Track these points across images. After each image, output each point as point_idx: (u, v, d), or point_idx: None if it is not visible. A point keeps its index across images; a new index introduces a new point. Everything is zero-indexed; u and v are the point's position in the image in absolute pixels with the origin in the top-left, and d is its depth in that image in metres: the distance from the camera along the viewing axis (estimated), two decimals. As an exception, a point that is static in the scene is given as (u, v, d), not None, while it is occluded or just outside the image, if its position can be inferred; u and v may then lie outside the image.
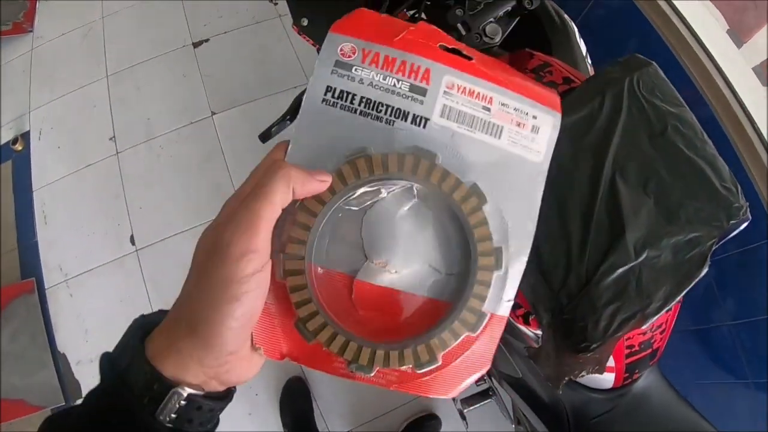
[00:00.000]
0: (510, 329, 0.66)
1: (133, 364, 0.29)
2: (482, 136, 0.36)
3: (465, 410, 1.00)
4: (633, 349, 0.58)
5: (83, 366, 1.60)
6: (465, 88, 0.36)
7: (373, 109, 0.35)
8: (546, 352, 0.43)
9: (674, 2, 1.07)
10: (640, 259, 0.42)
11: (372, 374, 0.33)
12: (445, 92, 0.36)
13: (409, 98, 0.36)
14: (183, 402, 0.29)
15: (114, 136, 1.87)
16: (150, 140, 1.86)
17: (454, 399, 1.19)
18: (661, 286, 0.43)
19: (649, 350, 0.60)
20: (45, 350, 1.61)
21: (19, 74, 2.06)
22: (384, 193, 0.35)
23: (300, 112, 0.35)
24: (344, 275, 0.35)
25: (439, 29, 0.38)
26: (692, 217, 0.45)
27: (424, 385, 0.35)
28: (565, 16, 0.75)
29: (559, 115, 0.38)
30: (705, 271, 0.46)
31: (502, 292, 0.36)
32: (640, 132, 0.45)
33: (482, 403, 1.01)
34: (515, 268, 0.36)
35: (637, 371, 0.63)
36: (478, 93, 0.36)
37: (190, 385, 0.29)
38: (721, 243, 0.47)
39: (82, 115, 1.93)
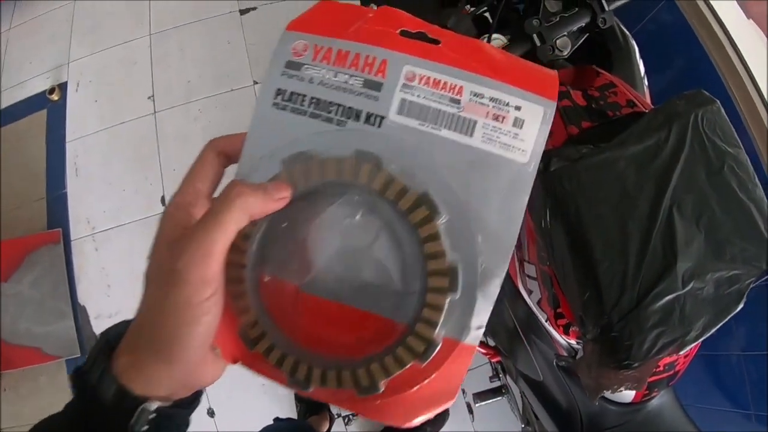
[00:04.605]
0: (540, 334, 0.69)
1: (102, 382, 0.29)
2: (449, 133, 0.32)
3: (476, 405, 1.03)
4: (658, 369, 0.60)
5: (102, 320, 1.64)
6: (429, 78, 0.32)
7: (323, 110, 0.33)
8: (587, 364, 0.46)
9: (726, 24, 1.08)
10: (686, 289, 0.45)
11: (310, 389, 0.31)
12: (404, 85, 0.32)
13: (362, 95, 0.32)
14: (153, 416, 0.30)
15: (153, 96, 1.89)
16: (189, 103, 1.87)
17: (463, 391, 1.22)
18: (701, 317, 0.46)
19: (672, 372, 0.63)
20: (65, 301, 1.64)
21: (61, 24, 2.07)
22: (327, 201, 0.32)
23: (252, 117, 0.34)
24: (291, 284, 0.33)
25: (402, 11, 0.35)
26: (736, 256, 0.47)
27: (378, 410, 0.32)
28: (629, 35, 0.76)
29: (552, 103, 0.31)
30: (741, 307, 0.49)
31: (469, 317, 0.31)
32: (700, 168, 0.48)
33: (493, 400, 1.04)
34: (487, 289, 0.31)
35: (656, 390, 0.66)
36: (445, 83, 0.32)
37: (159, 398, 0.30)
38: (757, 282, 0.50)
39: (122, 71, 1.95)
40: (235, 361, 0.33)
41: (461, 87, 0.32)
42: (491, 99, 0.32)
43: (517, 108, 0.31)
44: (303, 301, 0.32)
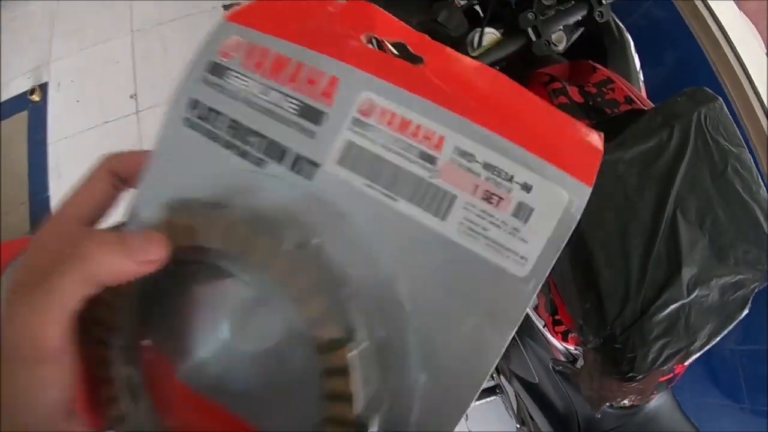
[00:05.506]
0: (536, 337, 0.67)
1: None
2: (410, 208, 0.21)
3: (469, 405, 1.02)
4: (658, 374, 0.59)
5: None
6: (394, 114, 0.21)
7: (240, 140, 0.23)
8: (589, 375, 0.45)
9: (720, 19, 1.07)
10: (691, 297, 0.43)
11: None
12: (355, 120, 0.22)
13: (295, 126, 0.22)
14: None
15: (135, 94, 1.84)
16: (173, 102, 1.83)
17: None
18: (706, 325, 0.44)
19: (671, 375, 0.61)
20: (50, 308, 1.61)
21: (40, 24, 2.01)
22: (220, 272, 0.23)
23: (158, 134, 0.25)
24: (168, 362, 0.25)
25: (378, 8, 0.24)
26: (740, 259, 0.46)
27: None
28: (623, 28, 0.75)
29: (587, 190, 0.20)
30: (746, 312, 0.47)
31: None
32: (703, 169, 0.46)
33: (487, 399, 1.03)
34: None
35: (655, 392, 0.64)
36: (418, 126, 0.21)
37: None
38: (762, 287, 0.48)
39: (104, 70, 1.90)
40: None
41: (441, 137, 0.20)
42: (486, 165, 0.20)
43: (526, 187, 0.20)
44: (180, 385, 0.24)
